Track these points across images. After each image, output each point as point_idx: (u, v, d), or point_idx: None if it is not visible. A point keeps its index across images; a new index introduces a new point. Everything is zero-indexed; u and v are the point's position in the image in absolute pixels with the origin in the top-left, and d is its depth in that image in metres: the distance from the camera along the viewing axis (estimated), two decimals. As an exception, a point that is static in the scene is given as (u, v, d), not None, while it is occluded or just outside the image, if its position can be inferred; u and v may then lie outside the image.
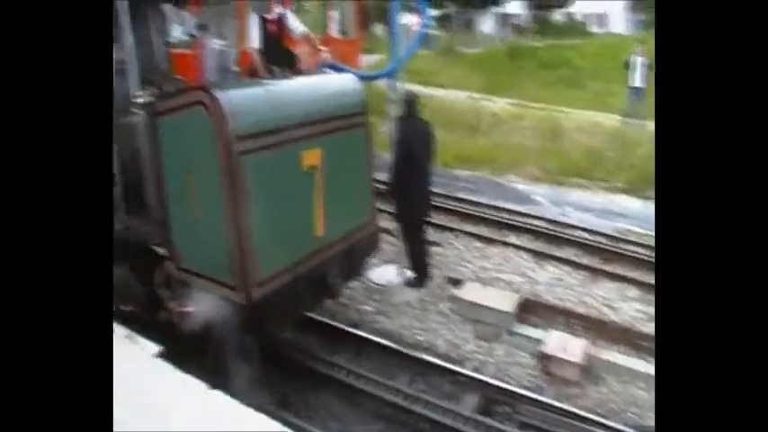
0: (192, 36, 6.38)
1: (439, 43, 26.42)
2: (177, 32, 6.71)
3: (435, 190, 9.90)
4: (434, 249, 7.71)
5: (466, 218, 8.88)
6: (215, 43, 5.63)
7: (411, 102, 6.28)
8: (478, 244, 8.06)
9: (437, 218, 8.83)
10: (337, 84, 5.15)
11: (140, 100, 4.20)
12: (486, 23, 36.54)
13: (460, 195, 9.85)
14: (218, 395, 3.26)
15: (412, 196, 6.41)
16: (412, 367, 5.45)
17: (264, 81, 5.22)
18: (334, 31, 12.28)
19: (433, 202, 8.70)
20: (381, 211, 6.36)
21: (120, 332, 3.85)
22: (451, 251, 7.89)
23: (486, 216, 9.03)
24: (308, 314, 5.94)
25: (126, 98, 4.31)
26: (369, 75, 7.77)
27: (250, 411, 3.13)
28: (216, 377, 3.55)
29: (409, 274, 6.86)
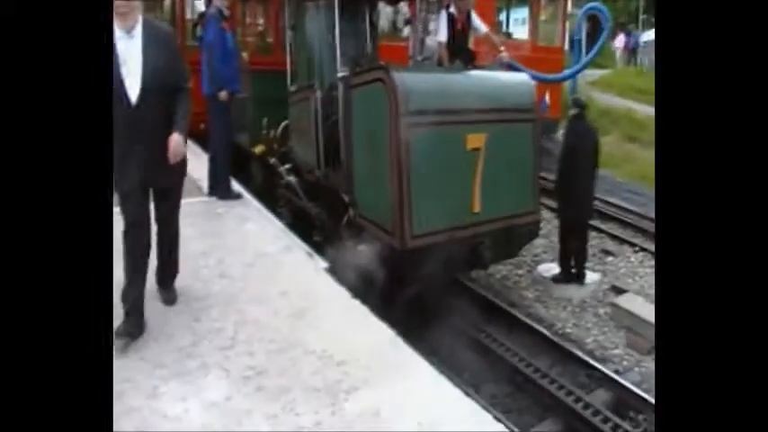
0: (396, 28, 7.76)
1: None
2: (384, 24, 8.08)
3: (629, 207, 10.36)
4: (607, 258, 8.30)
5: (652, 236, 9.16)
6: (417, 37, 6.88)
7: (579, 107, 6.95)
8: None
9: (621, 231, 9.35)
10: (509, 80, 6.07)
11: (341, 74, 5.56)
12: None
13: (652, 215, 10.05)
14: (357, 304, 4.47)
15: (574, 197, 6.97)
16: (555, 353, 6.03)
17: (443, 69, 6.35)
18: (538, 39, 13.14)
19: (608, 213, 9.25)
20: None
21: (304, 248, 5.46)
22: (625, 263, 8.33)
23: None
24: (470, 285, 6.97)
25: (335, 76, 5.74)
26: (542, 77, 8.55)
27: (381, 323, 4.26)
28: (369, 303, 4.55)
29: (557, 271, 7.45)
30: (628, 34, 28.82)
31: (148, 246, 3.88)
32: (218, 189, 6.96)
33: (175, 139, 3.65)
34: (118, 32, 3.45)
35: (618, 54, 27.50)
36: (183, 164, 3.89)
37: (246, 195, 7.31)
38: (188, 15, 12.17)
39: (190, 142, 5.10)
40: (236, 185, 7.38)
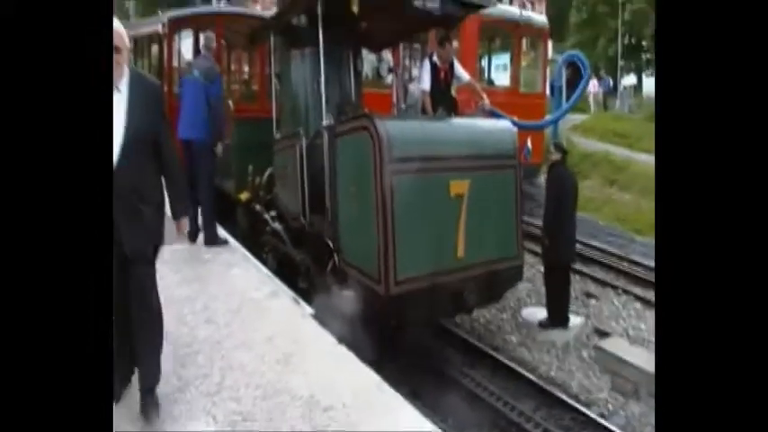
0: (379, 76, 8.03)
1: (648, 107, 26.25)
2: (368, 71, 8.34)
3: (611, 250, 10.56)
4: (590, 301, 8.46)
5: (636, 281, 9.31)
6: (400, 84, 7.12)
7: (560, 152, 7.18)
8: (638, 305, 8.48)
9: (603, 274, 9.53)
10: (491, 127, 6.27)
11: (326, 123, 5.73)
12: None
13: (637, 259, 10.25)
14: (343, 350, 4.55)
15: (556, 241, 7.14)
16: (540, 397, 6.12)
17: (426, 117, 6.56)
18: (520, 85, 13.53)
19: (590, 256, 9.42)
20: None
21: (289, 294, 5.59)
22: (608, 306, 8.47)
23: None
24: (454, 330, 7.07)
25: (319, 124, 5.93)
26: (523, 124, 8.83)
27: (366, 368, 4.34)
28: (354, 348, 4.64)
29: (544, 315, 7.57)
30: (599, 79, 29.64)
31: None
32: (206, 235, 7.08)
33: (183, 226, 3.69)
34: None
35: (591, 99, 28.20)
36: (160, 231, 3.52)
37: (232, 242, 7.41)
38: (174, 63, 12.38)
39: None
40: (221, 232, 7.49)
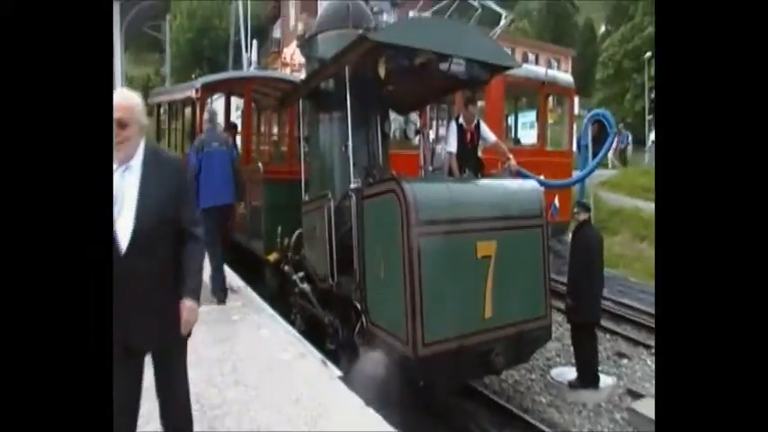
0: (407, 137, 8.20)
1: None
2: (396, 132, 8.51)
3: (642, 308, 10.43)
4: (622, 361, 8.35)
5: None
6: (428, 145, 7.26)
7: (585, 211, 7.21)
8: (672, 366, 8.31)
9: (635, 333, 9.42)
10: (518, 187, 6.34)
11: (353, 186, 5.85)
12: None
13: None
14: (371, 412, 4.56)
15: (581, 301, 7.12)
16: None
17: (452, 179, 6.66)
18: (547, 143, 13.65)
19: (622, 314, 9.33)
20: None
21: (317, 356, 5.63)
22: (641, 366, 8.33)
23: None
24: (482, 391, 7.01)
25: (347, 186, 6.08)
26: (550, 183, 8.89)
27: (394, 430, 4.35)
28: (381, 410, 4.64)
29: (574, 375, 7.49)
30: (618, 134, 29.69)
31: None
32: (217, 293, 7.41)
33: (188, 307, 3.00)
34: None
35: (610, 154, 28.26)
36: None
37: (261, 302, 7.51)
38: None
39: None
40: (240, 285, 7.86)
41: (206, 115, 8.42)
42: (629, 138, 29.87)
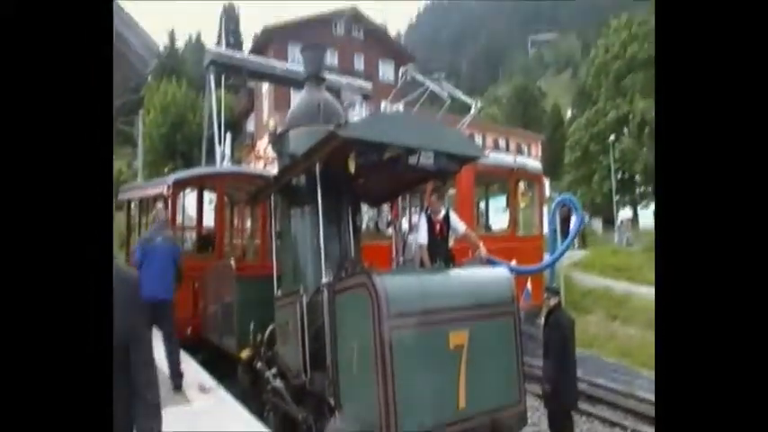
0: (378, 229, 8.34)
1: (645, 239, 26.69)
2: (369, 224, 8.64)
3: (616, 387, 10.42)
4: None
5: (644, 419, 9.12)
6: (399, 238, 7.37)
7: (555, 296, 7.33)
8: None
9: (612, 413, 9.38)
10: (488, 276, 6.40)
11: (325, 281, 5.91)
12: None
13: (643, 395, 10.05)
14: None
15: (557, 387, 7.15)
16: None
17: (424, 270, 6.74)
18: (518, 228, 13.87)
19: (596, 395, 9.32)
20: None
21: None
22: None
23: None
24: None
25: (319, 280, 6.10)
26: (520, 269, 9.02)
27: None
28: None
29: None
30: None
31: None
32: (175, 382, 7.66)
33: None
34: None
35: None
36: None
37: (232, 400, 7.39)
38: (179, 220, 12.80)
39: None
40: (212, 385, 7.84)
41: (153, 212, 8.75)
42: (587, 219, 30.46)
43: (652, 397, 9.66)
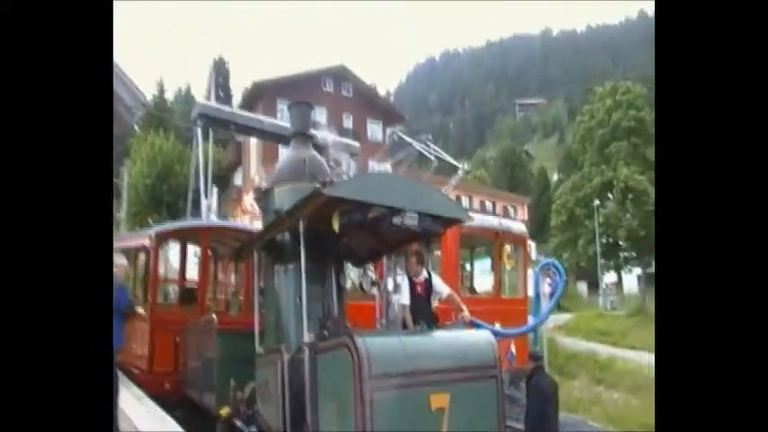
0: (363, 290, 8.35)
1: (630, 304, 26.87)
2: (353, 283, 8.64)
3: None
4: None
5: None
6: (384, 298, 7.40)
7: (537, 360, 7.35)
8: None
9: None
10: (471, 338, 6.43)
11: (306, 340, 5.91)
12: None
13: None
14: None
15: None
16: None
17: (406, 331, 6.76)
18: (503, 290, 13.98)
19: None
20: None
21: None
22: None
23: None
24: None
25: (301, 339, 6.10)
26: (503, 332, 9.04)
27: None
28: None
29: None
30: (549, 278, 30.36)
31: None
32: None
33: None
34: None
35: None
36: None
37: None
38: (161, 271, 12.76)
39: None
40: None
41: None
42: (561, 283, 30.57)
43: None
